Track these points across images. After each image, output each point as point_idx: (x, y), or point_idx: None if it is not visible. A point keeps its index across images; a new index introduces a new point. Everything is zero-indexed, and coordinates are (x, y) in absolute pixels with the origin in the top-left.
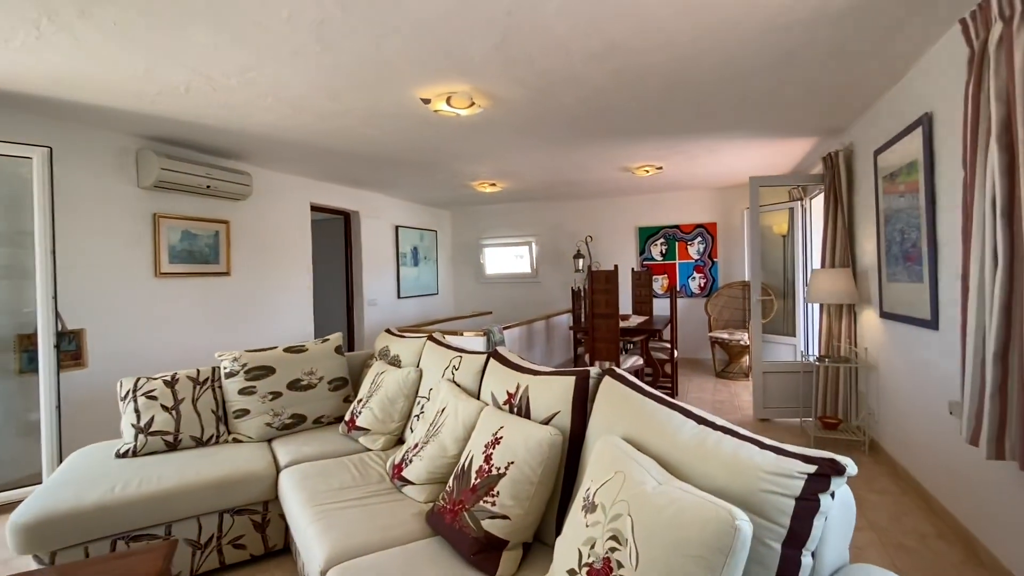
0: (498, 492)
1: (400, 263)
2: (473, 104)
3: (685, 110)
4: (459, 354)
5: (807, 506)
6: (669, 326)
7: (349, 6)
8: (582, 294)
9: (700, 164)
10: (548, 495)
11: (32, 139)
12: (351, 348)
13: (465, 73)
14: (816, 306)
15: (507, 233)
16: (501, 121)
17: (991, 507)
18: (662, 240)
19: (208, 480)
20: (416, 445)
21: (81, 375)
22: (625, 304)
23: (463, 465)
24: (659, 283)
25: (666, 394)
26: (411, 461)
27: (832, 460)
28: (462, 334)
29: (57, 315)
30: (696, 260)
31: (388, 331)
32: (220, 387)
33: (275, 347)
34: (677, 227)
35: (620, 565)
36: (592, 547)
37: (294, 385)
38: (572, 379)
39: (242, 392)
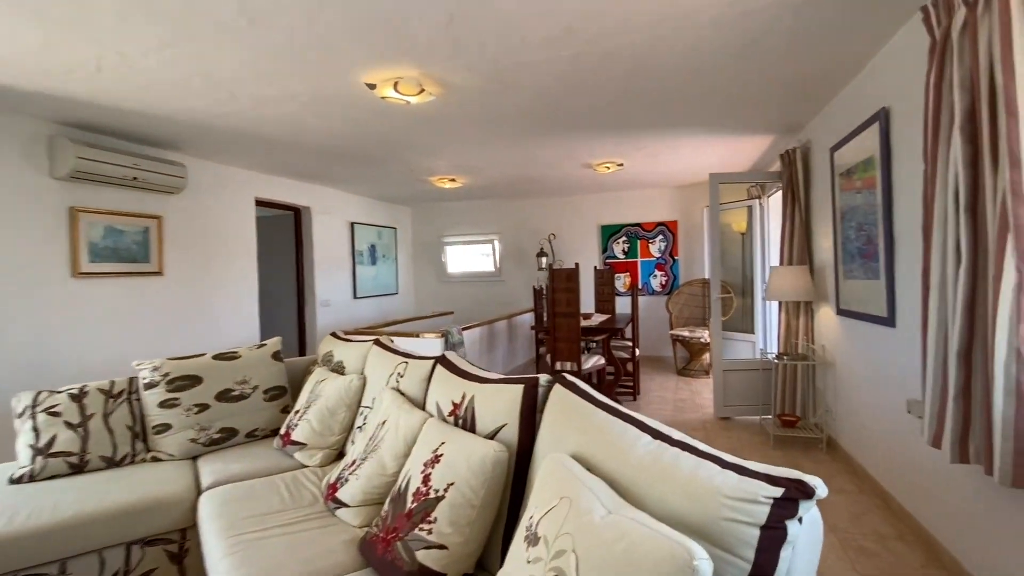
0: (435, 518)
1: (356, 262)
2: (423, 91)
3: (645, 102)
4: (405, 360)
5: (773, 535)
6: (631, 324)
7: None
8: (544, 293)
9: (661, 161)
10: (492, 519)
11: None
12: (302, 352)
13: (411, 56)
14: (775, 303)
15: (470, 231)
16: (456, 112)
17: (952, 508)
18: (624, 238)
19: (113, 507)
20: (353, 462)
21: None
22: (588, 302)
23: (400, 487)
24: (621, 281)
25: (628, 393)
26: (347, 480)
27: (800, 482)
28: (420, 335)
29: None
30: (658, 258)
31: (334, 334)
32: (138, 400)
33: (203, 354)
34: (639, 225)
35: None
36: None
37: (224, 396)
38: (520, 388)
39: (163, 405)
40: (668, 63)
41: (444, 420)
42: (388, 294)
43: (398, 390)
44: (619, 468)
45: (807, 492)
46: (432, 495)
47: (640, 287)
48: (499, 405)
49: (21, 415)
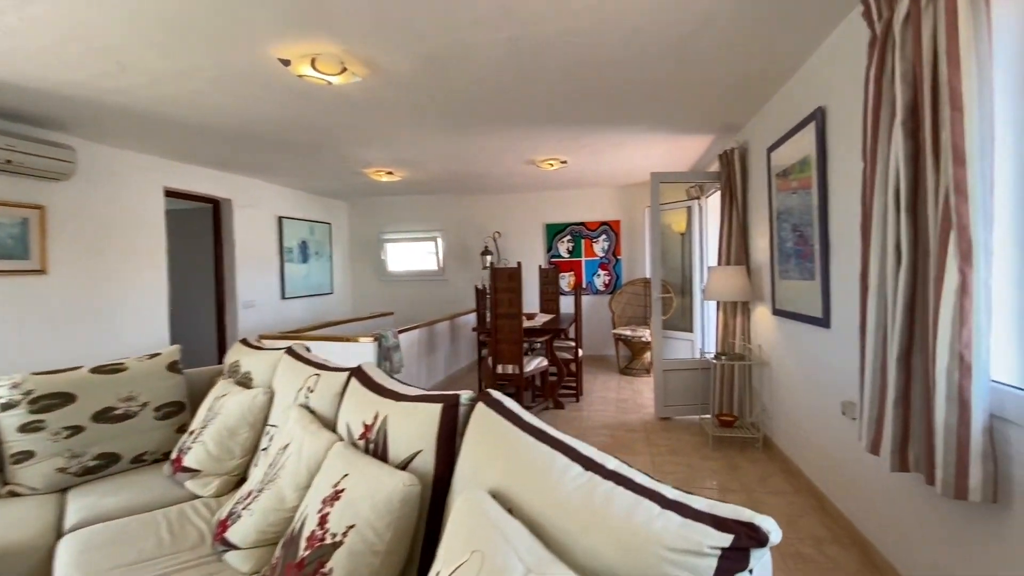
0: (331, 569)
1: (285, 259)
2: (346, 70)
3: (588, 95)
4: (317, 372)
5: None
6: (574, 324)
7: None
8: (486, 292)
9: (604, 160)
10: (400, 566)
11: None
12: (222, 361)
13: (329, 29)
14: (713, 303)
15: (411, 227)
16: (386, 96)
17: (885, 511)
18: (569, 237)
19: None
20: (249, 494)
21: None
22: (533, 302)
23: (294, 528)
24: (566, 280)
25: (571, 395)
26: (239, 516)
27: (751, 526)
28: (350, 339)
29: None
30: (601, 257)
31: (244, 341)
32: None
33: (79, 367)
34: (583, 224)
35: None
36: None
37: (104, 416)
38: (439, 407)
39: (24, 429)
40: (609, 52)
41: (354, 444)
42: (322, 294)
43: (307, 407)
44: (544, 508)
45: (759, 539)
46: (328, 540)
47: (584, 286)
48: (414, 428)
49: None
